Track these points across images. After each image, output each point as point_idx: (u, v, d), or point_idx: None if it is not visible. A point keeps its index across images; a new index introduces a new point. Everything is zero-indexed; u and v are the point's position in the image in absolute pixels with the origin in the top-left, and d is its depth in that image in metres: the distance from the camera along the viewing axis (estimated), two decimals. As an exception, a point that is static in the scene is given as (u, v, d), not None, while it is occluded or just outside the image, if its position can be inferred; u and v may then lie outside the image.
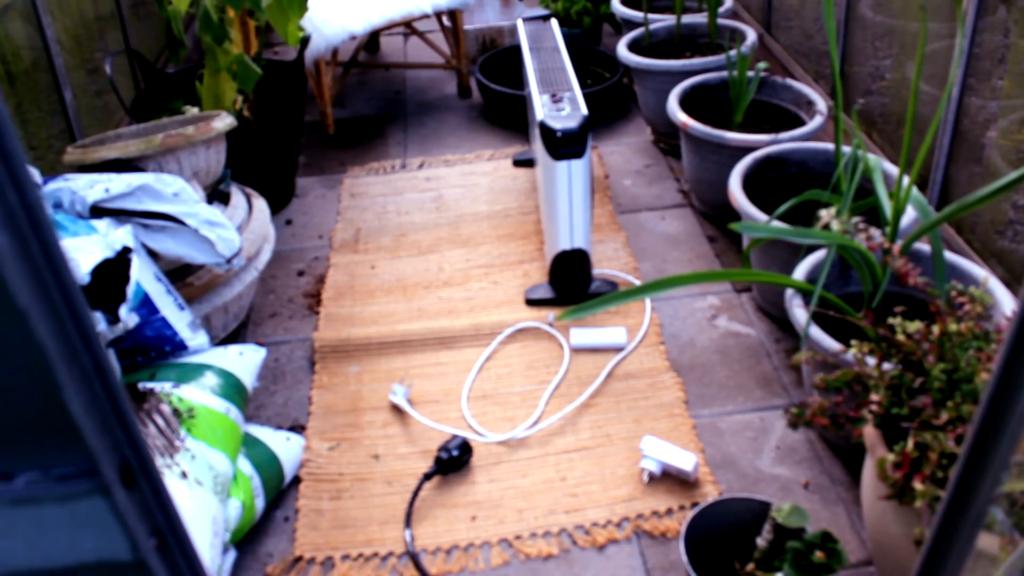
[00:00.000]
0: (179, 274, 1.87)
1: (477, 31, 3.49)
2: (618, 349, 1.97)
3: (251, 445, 1.63)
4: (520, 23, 2.62)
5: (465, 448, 1.70)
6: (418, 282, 2.24)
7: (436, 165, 2.79)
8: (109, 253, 1.55)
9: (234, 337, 2.07)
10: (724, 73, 2.55)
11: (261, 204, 2.11)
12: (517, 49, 3.07)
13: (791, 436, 1.74)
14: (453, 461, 1.69)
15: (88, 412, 0.50)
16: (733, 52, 2.49)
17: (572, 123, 1.92)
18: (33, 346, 0.47)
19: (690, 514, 1.41)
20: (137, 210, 1.72)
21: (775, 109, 2.51)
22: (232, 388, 1.60)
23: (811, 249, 1.79)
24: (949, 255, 1.69)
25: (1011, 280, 1.90)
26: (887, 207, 1.71)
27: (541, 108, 2.04)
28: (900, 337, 1.26)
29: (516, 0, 3.83)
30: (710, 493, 1.62)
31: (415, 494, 1.64)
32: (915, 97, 1.58)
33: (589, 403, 1.84)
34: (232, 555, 1.54)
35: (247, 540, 1.60)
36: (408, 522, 1.59)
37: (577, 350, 1.97)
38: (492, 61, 3.21)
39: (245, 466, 1.58)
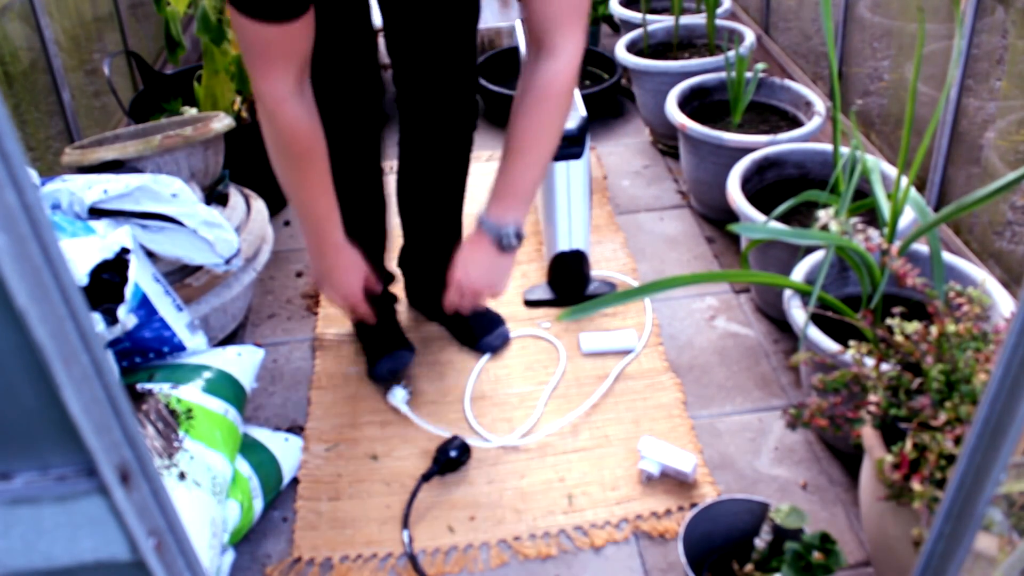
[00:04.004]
0: (177, 275, 1.87)
1: (476, 32, 3.49)
2: (627, 352, 1.96)
3: (249, 446, 1.63)
4: (519, 24, 2.62)
5: (464, 449, 1.70)
6: (416, 283, 2.24)
7: (434, 166, 2.79)
8: (107, 254, 1.55)
9: (232, 338, 2.07)
10: (722, 74, 2.55)
11: (259, 205, 2.11)
12: (516, 50, 3.07)
13: (790, 437, 1.74)
14: (451, 462, 1.69)
15: (87, 412, 0.50)
16: (731, 53, 2.49)
17: (571, 124, 1.92)
18: (32, 346, 0.47)
19: (689, 515, 1.41)
20: (135, 211, 1.71)
21: (773, 110, 2.51)
22: (230, 389, 1.60)
23: (809, 250, 1.80)
24: (947, 256, 1.69)
25: (1009, 281, 1.90)
26: (885, 208, 1.71)
27: (540, 109, 2.03)
28: (898, 338, 1.26)
29: (514, 1, 3.83)
30: (709, 494, 1.62)
31: (413, 495, 1.64)
32: (913, 98, 1.58)
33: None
34: (231, 556, 1.54)
35: (245, 541, 1.60)
36: (406, 523, 1.59)
37: (588, 355, 1.96)
38: (491, 62, 3.21)
39: (243, 467, 1.57)
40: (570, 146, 1.93)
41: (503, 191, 1.46)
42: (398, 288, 2.07)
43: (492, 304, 2.07)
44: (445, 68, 1.67)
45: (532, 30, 1.39)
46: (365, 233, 1.85)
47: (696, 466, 1.63)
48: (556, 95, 1.39)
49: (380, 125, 1.76)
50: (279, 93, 1.34)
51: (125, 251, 1.58)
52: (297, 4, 1.28)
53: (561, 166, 1.95)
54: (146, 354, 1.64)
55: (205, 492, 1.42)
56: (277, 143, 1.41)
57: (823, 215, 1.50)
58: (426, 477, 1.66)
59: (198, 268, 1.92)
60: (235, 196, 2.07)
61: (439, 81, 1.68)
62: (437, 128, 1.76)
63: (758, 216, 1.93)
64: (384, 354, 1.93)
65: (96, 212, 1.70)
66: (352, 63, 1.61)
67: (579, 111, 1.99)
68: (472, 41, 1.68)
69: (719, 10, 3.01)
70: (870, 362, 1.28)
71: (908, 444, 1.16)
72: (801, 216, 2.02)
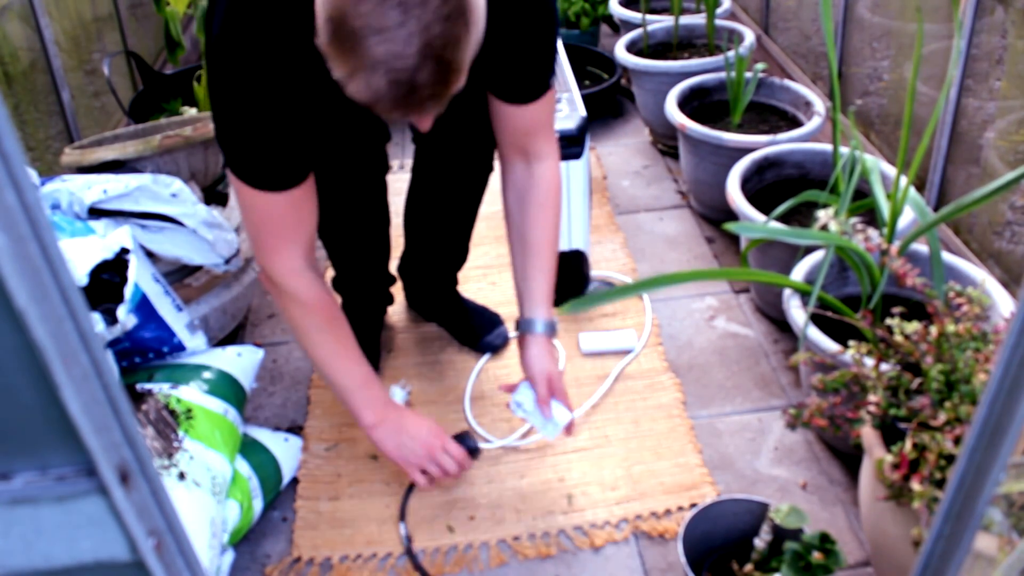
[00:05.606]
0: (177, 275, 1.87)
1: (475, 32, 3.48)
2: (627, 352, 1.96)
3: (249, 446, 1.63)
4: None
5: (474, 451, 1.61)
6: (416, 283, 2.24)
7: (434, 166, 2.79)
8: (107, 254, 1.55)
9: (232, 338, 2.07)
10: (722, 74, 2.55)
11: (259, 205, 2.11)
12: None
13: (789, 437, 1.74)
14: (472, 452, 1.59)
15: (86, 412, 0.50)
16: (731, 53, 2.49)
17: (570, 124, 1.92)
18: (32, 346, 0.47)
19: (688, 515, 1.41)
20: (135, 211, 1.71)
21: (773, 110, 2.51)
22: (230, 389, 1.60)
23: (809, 250, 1.80)
24: (947, 256, 1.69)
25: (1009, 281, 1.90)
26: (885, 208, 1.71)
27: (539, 109, 2.03)
28: (898, 338, 1.26)
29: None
30: (708, 494, 1.62)
31: (410, 488, 1.62)
32: (912, 98, 1.58)
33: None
34: (230, 556, 1.54)
35: (245, 541, 1.60)
36: (403, 515, 1.59)
37: (588, 355, 1.96)
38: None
39: (243, 467, 1.57)
40: (570, 146, 1.93)
41: (540, 295, 1.53)
42: (396, 288, 2.07)
43: (491, 304, 2.07)
44: (463, 115, 1.65)
45: (513, 141, 1.50)
46: (366, 246, 1.84)
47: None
48: (555, 194, 1.52)
49: (384, 168, 1.75)
50: (288, 267, 1.38)
51: (125, 251, 1.58)
52: (295, 170, 1.32)
53: (561, 166, 1.95)
54: (146, 354, 1.64)
55: (205, 492, 1.42)
56: (300, 319, 1.43)
57: (823, 215, 1.50)
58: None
59: (198, 268, 1.92)
60: (235, 196, 2.07)
61: (457, 128, 1.66)
62: (453, 170, 1.75)
63: (758, 216, 1.93)
64: None
65: (96, 212, 1.70)
66: (354, 115, 1.60)
67: (579, 111, 1.99)
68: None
69: (719, 10, 3.01)
70: (870, 362, 1.28)
71: (908, 444, 1.16)
72: (801, 216, 2.02)
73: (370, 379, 1.50)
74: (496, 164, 1.61)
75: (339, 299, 1.92)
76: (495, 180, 1.66)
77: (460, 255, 1.96)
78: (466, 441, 1.57)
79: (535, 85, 1.44)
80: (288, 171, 1.32)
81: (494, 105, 1.47)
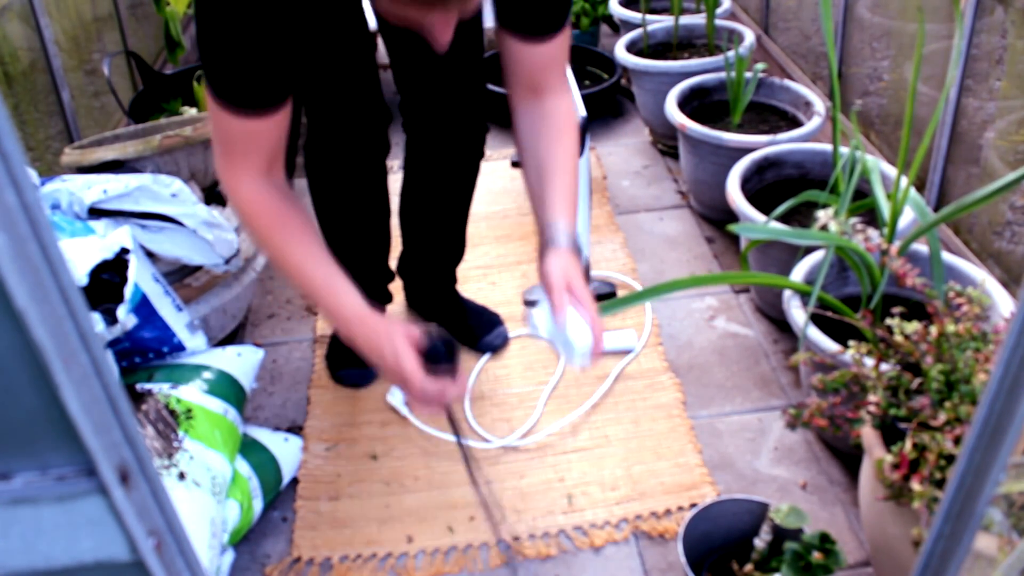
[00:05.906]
0: (177, 275, 1.87)
1: (475, 32, 3.48)
2: (627, 352, 1.96)
3: (249, 446, 1.63)
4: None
5: (450, 345, 1.30)
6: (416, 283, 2.24)
7: (434, 166, 2.78)
8: (107, 254, 1.55)
9: (232, 338, 2.07)
10: (722, 74, 2.55)
11: (259, 205, 2.11)
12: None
13: (789, 437, 1.74)
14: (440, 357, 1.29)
15: (86, 412, 0.50)
16: (731, 53, 2.49)
17: (570, 124, 1.92)
18: (32, 346, 0.47)
19: (688, 515, 1.41)
20: (135, 211, 1.71)
21: (773, 110, 2.51)
22: (230, 389, 1.60)
23: (809, 250, 1.80)
24: (947, 256, 1.69)
25: (1009, 281, 1.90)
26: (885, 208, 1.71)
27: (539, 109, 2.03)
28: (898, 338, 1.26)
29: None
30: (708, 494, 1.62)
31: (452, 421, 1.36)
32: (913, 98, 1.58)
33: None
34: (230, 556, 1.54)
35: (245, 541, 1.60)
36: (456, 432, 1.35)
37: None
38: (491, 62, 3.21)
39: (243, 467, 1.57)
40: (570, 146, 1.93)
41: (562, 211, 1.40)
42: (395, 287, 2.08)
43: (491, 304, 2.07)
44: (453, 100, 1.67)
45: (525, 81, 1.43)
46: (367, 237, 1.85)
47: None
48: (572, 125, 1.43)
49: (385, 150, 1.76)
50: (242, 184, 1.29)
51: (125, 251, 1.58)
52: (273, 94, 1.26)
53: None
54: (146, 354, 1.64)
55: (205, 492, 1.42)
56: (251, 226, 1.32)
57: (823, 215, 1.50)
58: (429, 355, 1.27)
59: (198, 268, 1.92)
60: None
61: (447, 113, 1.69)
62: (444, 156, 1.76)
63: (758, 216, 1.93)
64: (354, 365, 1.93)
65: (96, 212, 1.70)
66: (354, 89, 1.60)
67: (579, 111, 1.99)
68: (479, 67, 1.68)
69: (719, 10, 3.01)
70: (870, 362, 1.28)
71: (908, 444, 1.16)
72: (801, 216, 2.02)
73: (328, 290, 1.30)
74: (491, 159, 1.60)
75: None
76: (492, 180, 1.66)
77: (457, 249, 1.96)
78: (433, 355, 1.24)
79: (554, 18, 1.40)
80: (263, 94, 1.25)
81: (508, 46, 1.43)
